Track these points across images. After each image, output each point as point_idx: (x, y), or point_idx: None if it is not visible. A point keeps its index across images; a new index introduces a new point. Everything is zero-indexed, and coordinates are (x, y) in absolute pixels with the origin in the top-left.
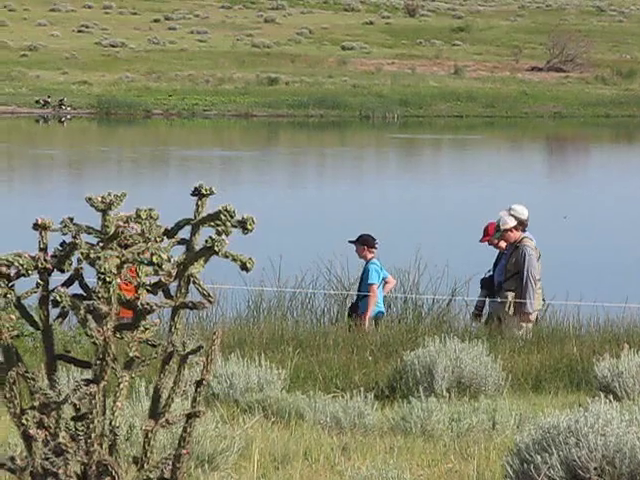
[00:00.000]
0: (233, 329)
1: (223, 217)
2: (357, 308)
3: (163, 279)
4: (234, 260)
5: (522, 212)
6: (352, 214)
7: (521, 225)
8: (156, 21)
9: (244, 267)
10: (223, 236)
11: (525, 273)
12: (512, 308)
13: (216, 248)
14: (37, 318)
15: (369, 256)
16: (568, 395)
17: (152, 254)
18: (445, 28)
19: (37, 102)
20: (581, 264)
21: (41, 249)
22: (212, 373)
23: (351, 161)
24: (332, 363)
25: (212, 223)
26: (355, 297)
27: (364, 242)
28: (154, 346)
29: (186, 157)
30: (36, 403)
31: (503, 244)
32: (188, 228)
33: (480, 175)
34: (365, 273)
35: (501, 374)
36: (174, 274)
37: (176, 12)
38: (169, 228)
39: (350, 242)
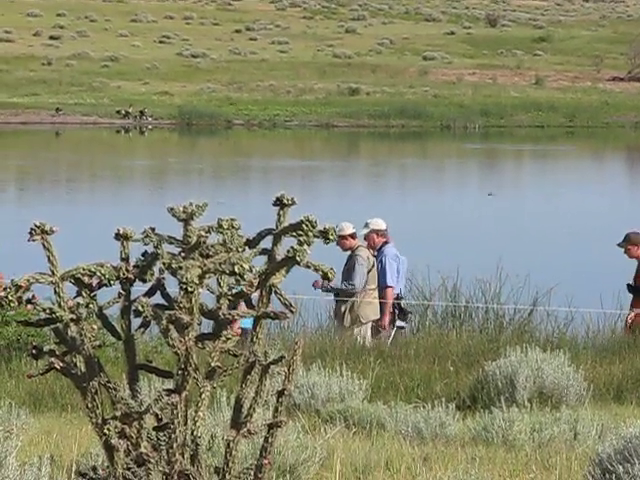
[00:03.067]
0: (314, 339)
1: (305, 227)
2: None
3: (245, 289)
4: (316, 270)
5: (380, 224)
6: (432, 225)
7: (377, 233)
8: (237, 31)
9: (325, 277)
10: (305, 246)
11: (349, 281)
12: (348, 316)
13: (298, 258)
14: (119, 328)
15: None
16: None
17: (234, 264)
18: (526, 38)
19: (118, 112)
20: None
21: (123, 259)
22: (294, 383)
23: (432, 171)
24: (413, 373)
25: (294, 233)
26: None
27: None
28: (236, 356)
29: (267, 167)
30: (118, 413)
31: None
32: (270, 238)
33: (561, 186)
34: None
35: (582, 384)
36: (256, 284)
37: (257, 22)
38: (251, 238)
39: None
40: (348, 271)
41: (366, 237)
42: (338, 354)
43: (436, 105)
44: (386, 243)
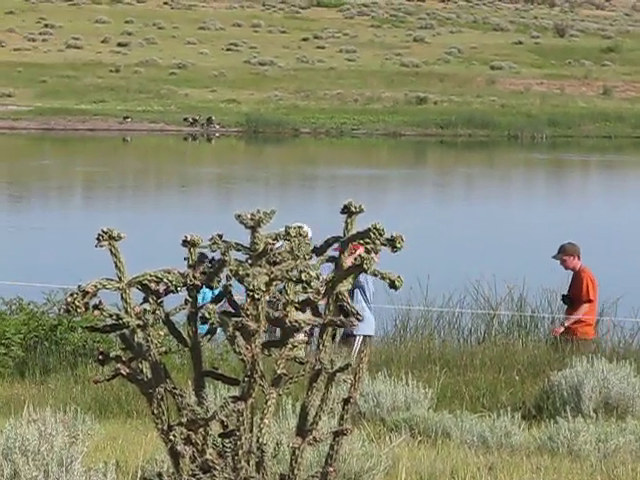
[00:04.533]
0: (380, 348)
1: (372, 235)
2: None
3: (311, 297)
4: (383, 278)
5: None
6: (498, 234)
7: None
8: (305, 40)
9: (393, 285)
10: (372, 254)
11: None
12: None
13: (365, 266)
14: (185, 335)
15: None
16: None
17: (301, 272)
18: (594, 48)
19: (185, 120)
20: None
21: (190, 266)
22: (359, 391)
23: (498, 181)
24: (479, 382)
25: (361, 241)
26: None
27: None
28: (302, 363)
29: (334, 176)
30: (184, 419)
31: None
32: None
33: (628, 196)
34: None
35: None
36: (323, 292)
37: (325, 31)
38: (318, 246)
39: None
40: None
41: None
42: (404, 363)
43: (503, 115)
44: None
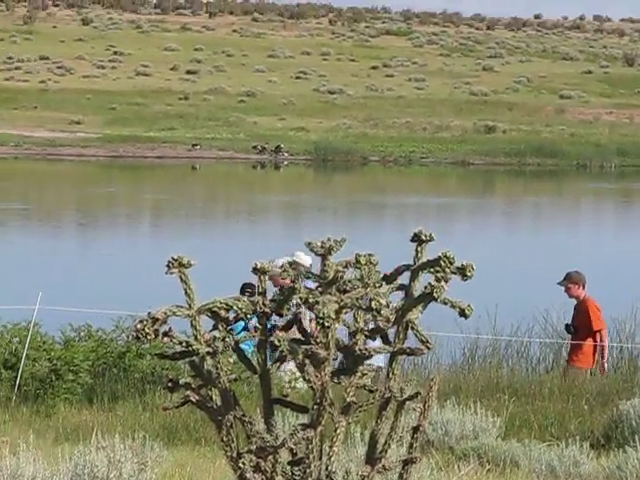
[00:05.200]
0: (448, 376)
1: (443, 263)
2: None
3: (381, 324)
4: (453, 307)
5: (303, 260)
6: (565, 263)
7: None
8: (374, 68)
9: (463, 314)
10: (442, 282)
11: None
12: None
13: (435, 294)
14: (255, 362)
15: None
16: None
17: (371, 299)
18: None
19: (254, 148)
20: None
21: (260, 293)
22: (428, 420)
23: (567, 210)
24: (547, 411)
25: (431, 269)
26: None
27: None
28: (371, 391)
29: (403, 204)
30: (253, 447)
31: None
32: (406, 274)
33: None
34: None
35: None
36: (392, 320)
37: (394, 59)
38: (388, 274)
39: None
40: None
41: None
42: (472, 391)
43: (572, 144)
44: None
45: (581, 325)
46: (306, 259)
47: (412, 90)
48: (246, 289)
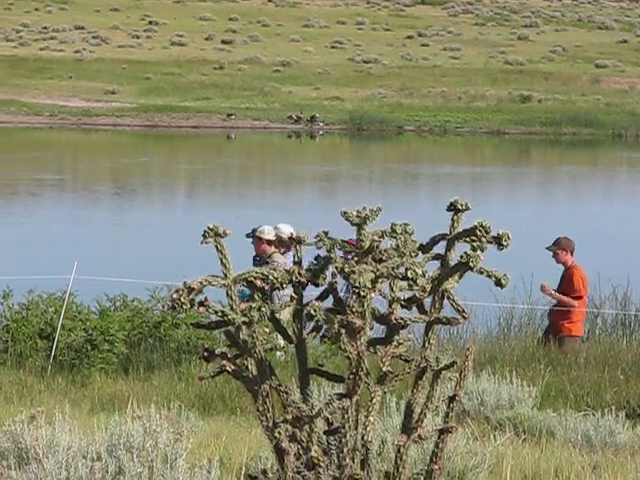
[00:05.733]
0: (484, 346)
1: (479, 233)
2: None
3: (417, 294)
4: (489, 276)
5: (284, 230)
6: (602, 233)
7: (281, 243)
8: (409, 37)
9: (499, 283)
10: (478, 252)
11: None
12: None
13: (471, 264)
14: (290, 332)
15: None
16: None
17: (407, 269)
18: None
19: (289, 118)
20: None
21: (296, 263)
22: (464, 389)
23: (602, 179)
24: (583, 381)
25: (467, 239)
26: None
27: None
28: (407, 361)
29: (438, 174)
30: (289, 416)
31: None
32: (442, 243)
33: None
34: None
35: None
36: (428, 289)
37: (429, 29)
38: (424, 243)
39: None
40: None
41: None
42: (508, 361)
43: (608, 113)
44: (288, 251)
45: (565, 292)
46: (286, 229)
47: (447, 59)
48: (255, 257)
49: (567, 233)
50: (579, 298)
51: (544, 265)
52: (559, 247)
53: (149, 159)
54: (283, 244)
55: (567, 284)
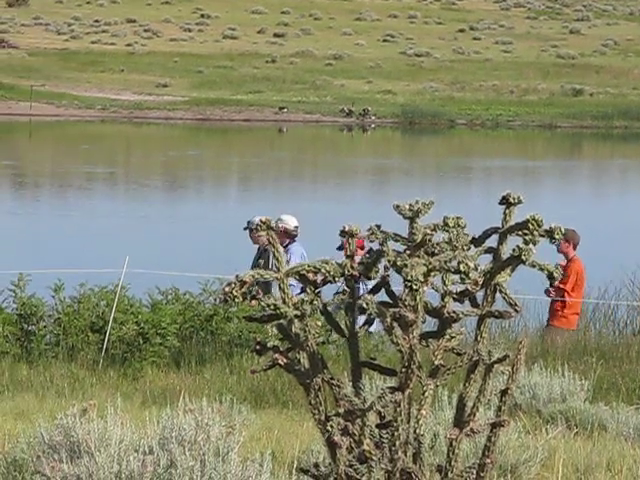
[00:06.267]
0: (536, 339)
1: (531, 226)
2: None
3: (469, 287)
4: (541, 269)
5: (288, 221)
6: None
7: (286, 234)
8: (461, 31)
9: (551, 276)
10: (530, 245)
11: None
12: None
13: (523, 257)
14: (343, 325)
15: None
16: None
17: (459, 262)
18: None
19: (341, 111)
20: None
21: (348, 256)
22: (516, 383)
23: None
24: (635, 375)
25: (519, 232)
26: None
27: None
28: (459, 354)
29: (490, 167)
30: (341, 410)
31: None
32: (494, 237)
33: None
34: None
35: None
36: (480, 283)
37: (481, 22)
38: (476, 237)
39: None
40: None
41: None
42: (560, 354)
43: None
44: (292, 242)
45: (561, 282)
46: (291, 220)
47: (499, 53)
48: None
49: (617, 227)
50: (565, 291)
51: (593, 258)
52: (564, 238)
53: (201, 152)
54: (288, 235)
55: (563, 275)
